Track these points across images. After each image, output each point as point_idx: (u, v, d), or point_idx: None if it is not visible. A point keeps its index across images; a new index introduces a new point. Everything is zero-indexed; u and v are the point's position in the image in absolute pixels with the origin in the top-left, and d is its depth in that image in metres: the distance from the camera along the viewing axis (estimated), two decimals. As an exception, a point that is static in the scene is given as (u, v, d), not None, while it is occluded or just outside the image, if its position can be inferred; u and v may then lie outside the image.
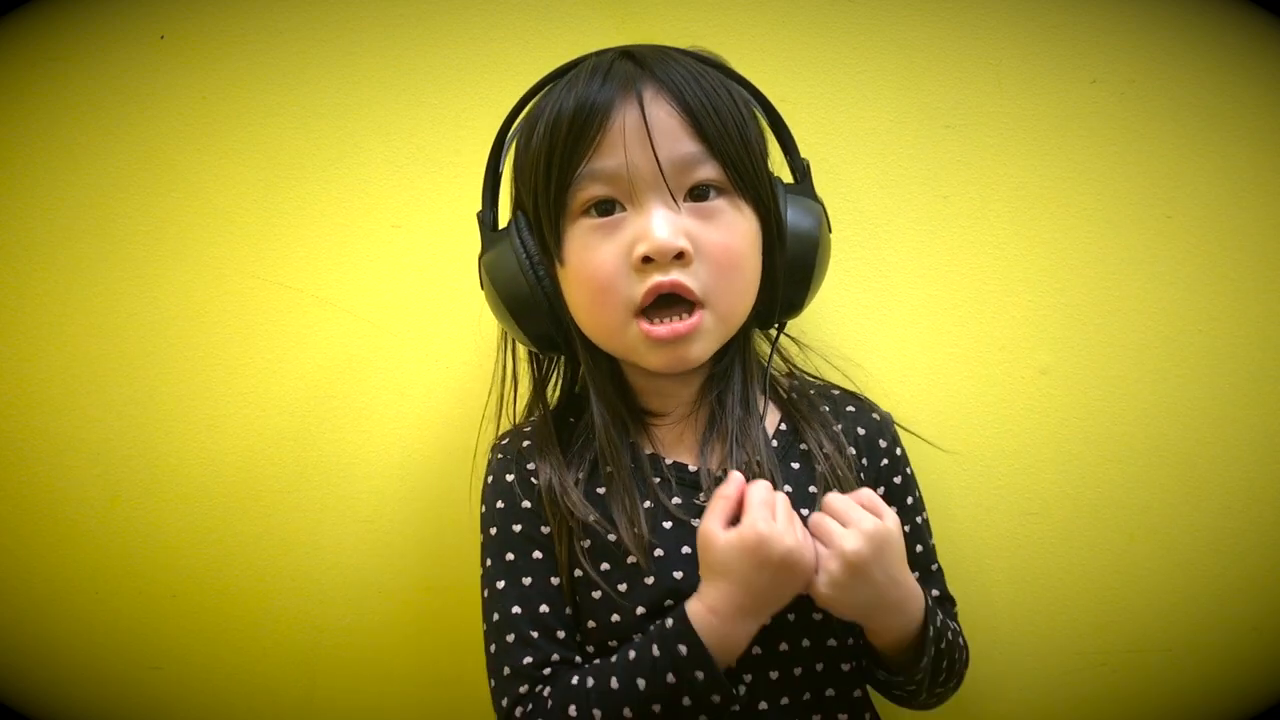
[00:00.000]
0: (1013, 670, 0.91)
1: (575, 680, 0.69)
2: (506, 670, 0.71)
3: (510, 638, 0.72)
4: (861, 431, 0.79)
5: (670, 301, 0.70)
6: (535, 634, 0.72)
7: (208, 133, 0.92)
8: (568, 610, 0.73)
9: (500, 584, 0.74)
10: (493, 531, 0.75)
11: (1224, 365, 0.89)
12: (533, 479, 0.75)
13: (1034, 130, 0.89)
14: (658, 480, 0.74)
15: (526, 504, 0.74)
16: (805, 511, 0.71)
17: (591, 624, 0.73)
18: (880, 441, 0.79)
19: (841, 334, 0.91)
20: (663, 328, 0.70)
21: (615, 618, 0.72)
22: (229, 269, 0.93)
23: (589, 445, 0.75)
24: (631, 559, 0.71)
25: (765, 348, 0.81)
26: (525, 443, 0.77)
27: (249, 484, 0.93)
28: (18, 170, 0.92)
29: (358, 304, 0.93)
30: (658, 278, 0.69)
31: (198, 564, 0.93)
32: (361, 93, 0.92)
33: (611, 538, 0.71)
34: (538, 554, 0.74)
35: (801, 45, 0.90)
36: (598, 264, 0.70)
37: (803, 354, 0.85)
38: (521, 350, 0.82)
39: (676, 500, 0.73)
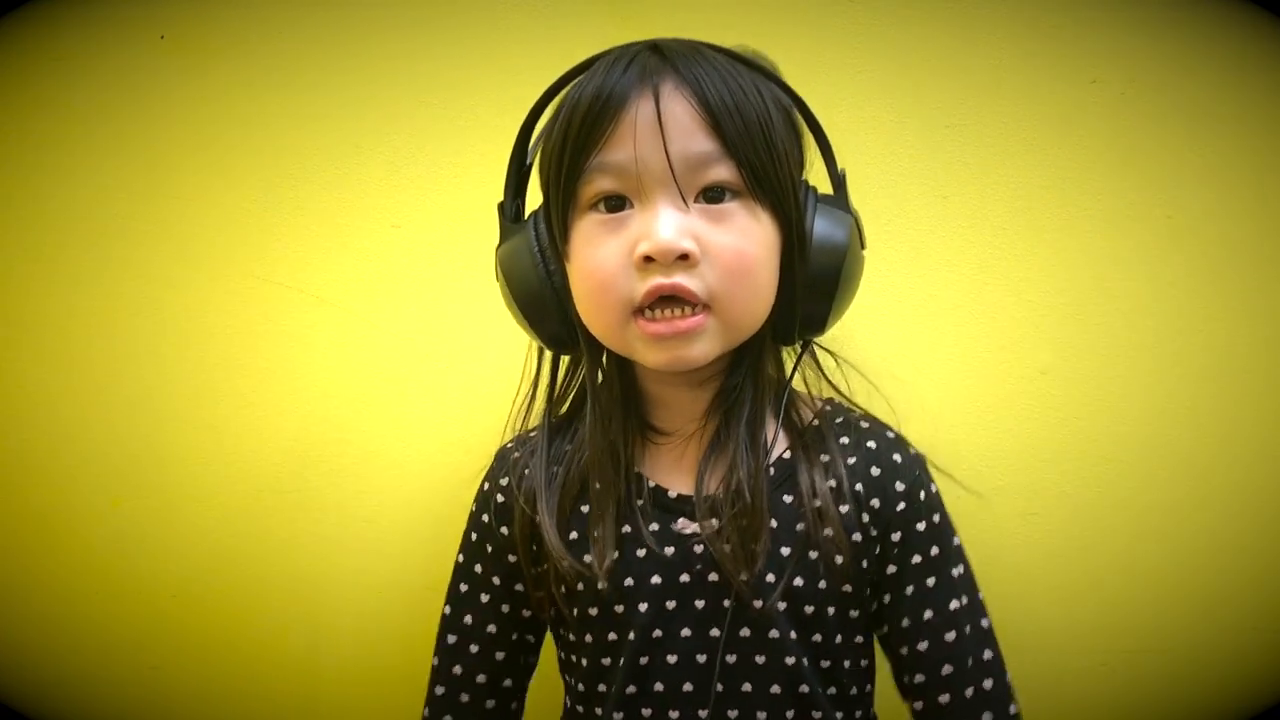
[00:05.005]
0: (1012, 670, 0.90)
1: None
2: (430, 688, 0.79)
3: (436, 661, 0.79)
4: (875, 472, 0.74)
5: (672, 300, 0.67)
6: (458, 670, 0.77)
7: (208, 133, 0.92)
8: (500, 654, 0.77)
9: (447, 609, 0.78)
10: (462, 552, 0.78)
11: (1224, 365, 0.89)
12: (500, 495, 0.76)
13: (1034, 130, 0.89)
14: (640, 503, 0.72)
15: (489, 546, 0.76)
16: (785, 550, 0.70)
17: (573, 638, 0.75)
18: (897, 484, 0.73)
19: (840, 335, 0.90)
20: (661, 324, 0.66)
21: (578, 635, 0.74)
22: (229, 269, 0.93)
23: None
24: (601, 584, 0.71)
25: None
26: (516, 454, 0.76)
27: (248, 484, 0.93)
28: (19, 170, 0.93)
29: (358, 304, 0.93)
30: (658, 279, 0.65)
31: (198, 564, 0.94)
32: (361, 93, 0.92)
33: (587, 558, 0.71)
34: (484, 596, 0.77)
35: (801, 45, 0.89)
36: (599, 260, 0.67)
37: (840, 370, 0.81)
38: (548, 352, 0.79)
39: (654, 527, 0.71)
